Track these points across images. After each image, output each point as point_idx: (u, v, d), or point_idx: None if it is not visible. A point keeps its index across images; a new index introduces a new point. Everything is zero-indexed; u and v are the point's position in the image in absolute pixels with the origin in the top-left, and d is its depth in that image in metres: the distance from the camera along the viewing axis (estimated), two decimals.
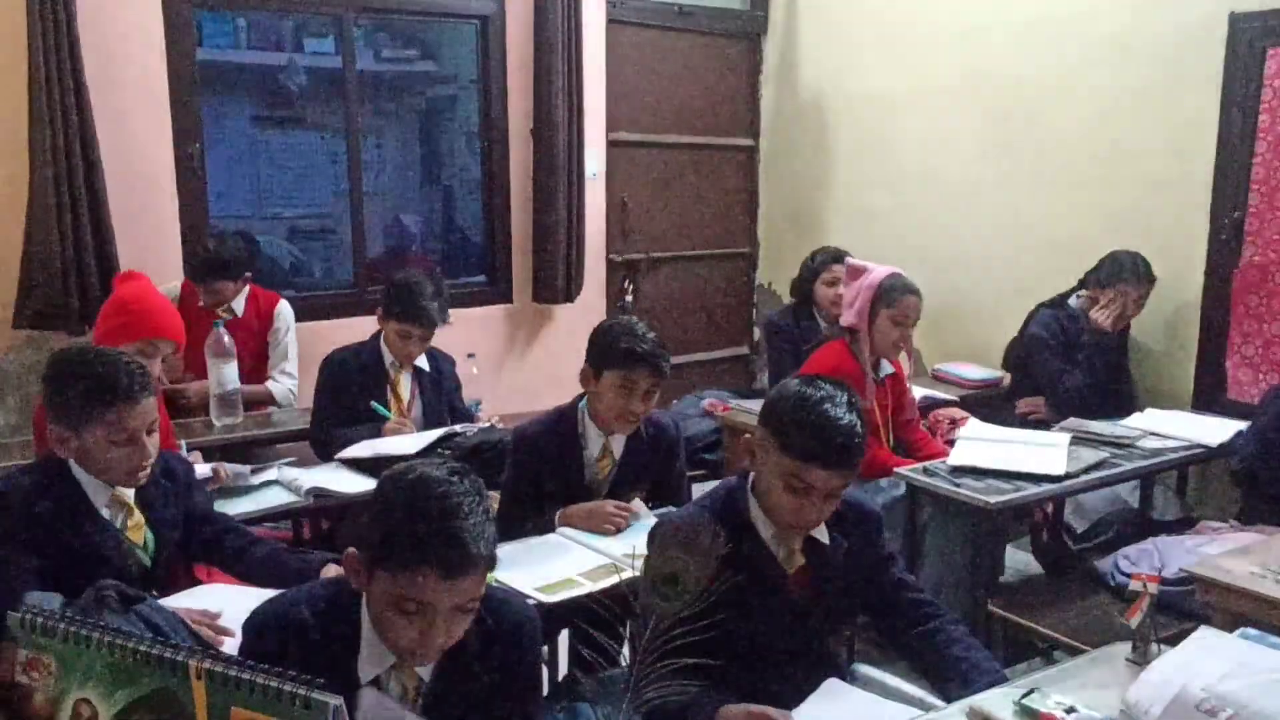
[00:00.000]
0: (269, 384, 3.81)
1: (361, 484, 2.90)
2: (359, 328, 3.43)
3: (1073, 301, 3.90)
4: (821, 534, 1.99)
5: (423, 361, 3.41)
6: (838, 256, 4.15)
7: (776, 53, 5.53)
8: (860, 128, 5.13)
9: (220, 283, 3.72)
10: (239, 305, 3.82)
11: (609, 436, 2.68)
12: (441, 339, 3.48)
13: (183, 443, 2.98)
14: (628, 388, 2.57)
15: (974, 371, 4.34)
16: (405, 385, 3.39)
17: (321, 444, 3.25)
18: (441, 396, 3.46)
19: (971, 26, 4.57)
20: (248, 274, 3.82)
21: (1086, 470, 3.04)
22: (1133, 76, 4.03)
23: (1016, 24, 4.39)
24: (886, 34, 4.93)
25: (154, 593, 2.08)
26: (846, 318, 3.38)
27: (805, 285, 4.30)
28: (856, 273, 3.41)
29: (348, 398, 3.30)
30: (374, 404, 3.29)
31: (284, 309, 3.91)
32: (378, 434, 3.20)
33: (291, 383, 3.86)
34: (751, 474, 2.00)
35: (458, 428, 3.16)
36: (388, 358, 3.36)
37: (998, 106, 4.51)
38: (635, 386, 2.56)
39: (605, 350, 2.59)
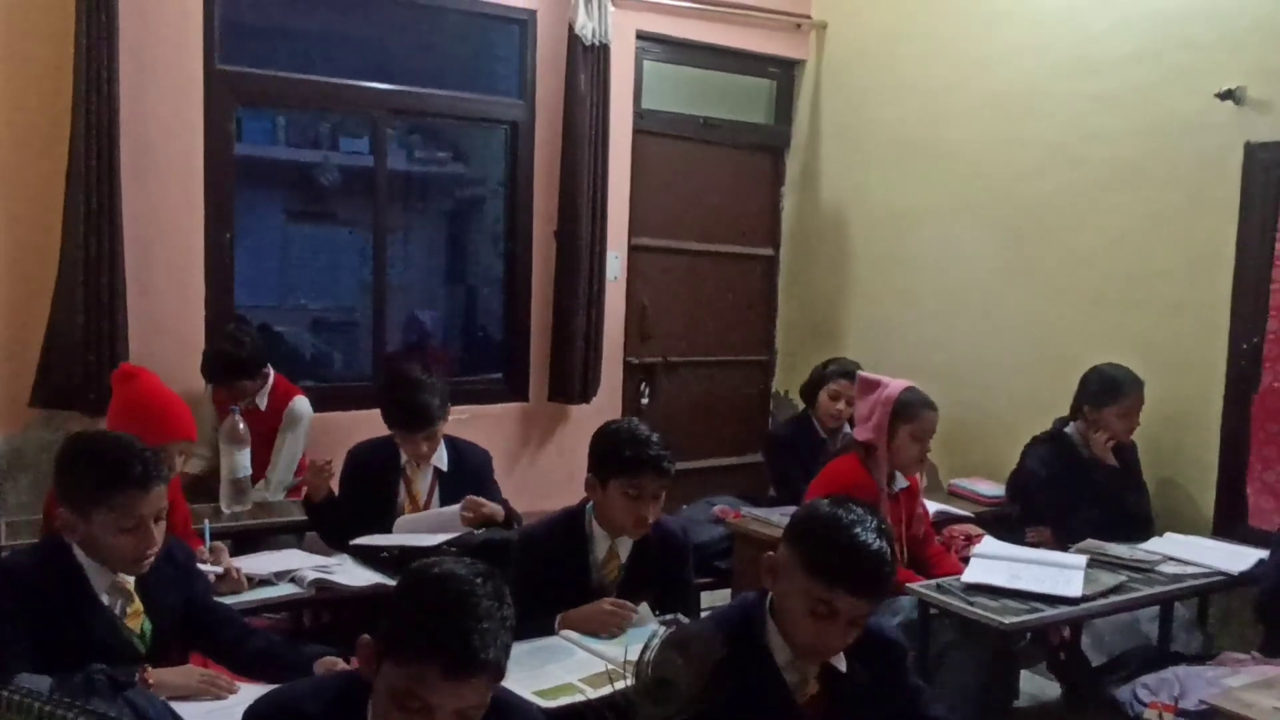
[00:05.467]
0: (260, 482, 3.75)
1: (366, 577, 2.88)
2: (376, 419, 3.45)
3: (1069, 430, 3.86)
4: (839, 662, 1.91)
5: (441, 461, 3.36)
6: (848, 371, 4.16)
7: (798, 166, 5.64)
8: (879, 241, 5.19)
9: (240, 382, 3.76)
10: (262, 400, 3.85)
11: (616, 540, 2.65)
12: (457, 435, 3.47)
13: (206, 525, 2.95)
14: (635, 494, 2.54)
15: (990, 488, 4.28)
16: (423, 484, 3.35)
17: (327, 535, 3.24)
18: (463, 495, 3.26)
19: (991, 146, 4.64)
20: (266, 370, 3.86)
21: (1105, 594, 2.97)
22: (1151, 200, 4.06)
23: (1035, 146, 4.46)
24: (907, 151, 5.02)
25: (147, 679, 2.04)
26: (862, 434, 3.33)
27: (812, 391, 4.33)
28: (871, 386, 3.37)
29: (357, 493, 3.29)
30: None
31: (296, 406, 3.87)
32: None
33: (278, 486, 3.80)
34: (770, 594, 1.94)
35: (478, 531, 3.11)
36: (403, 456, 3.34)
37: (1016, 225, 4.55)
38: (643, 492, 2.54)
39: (608, 458, 2.56)
